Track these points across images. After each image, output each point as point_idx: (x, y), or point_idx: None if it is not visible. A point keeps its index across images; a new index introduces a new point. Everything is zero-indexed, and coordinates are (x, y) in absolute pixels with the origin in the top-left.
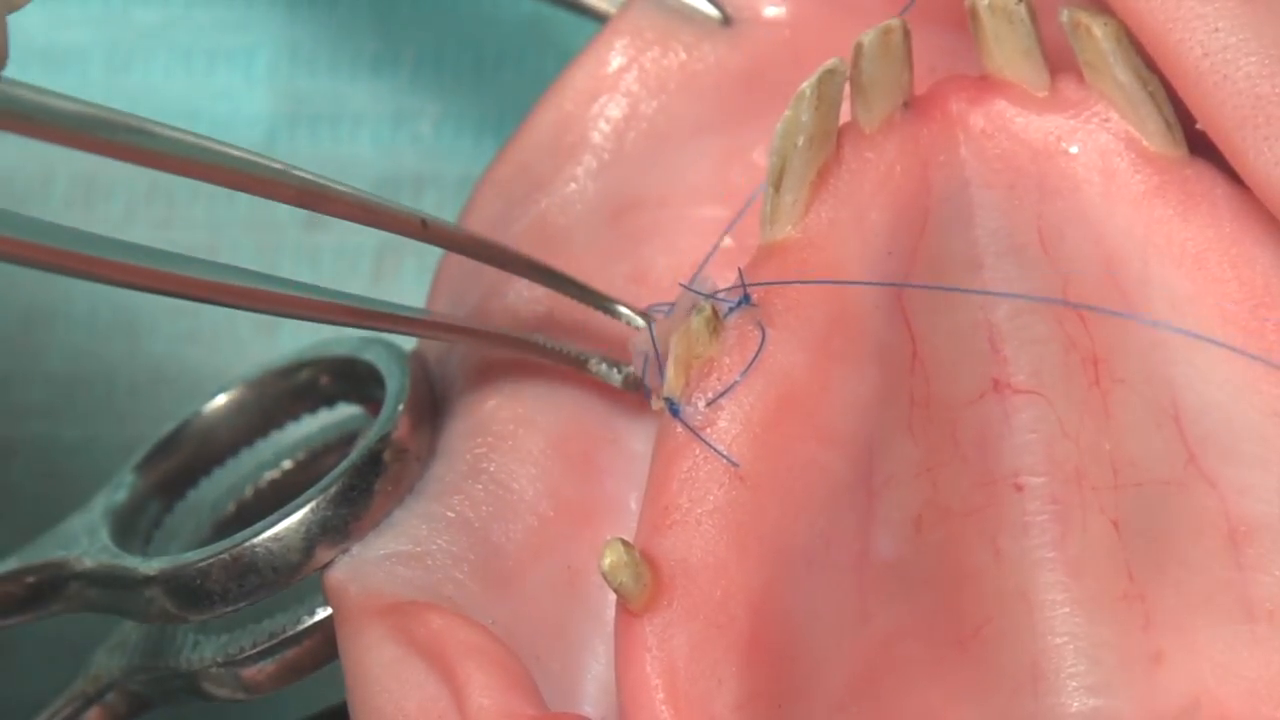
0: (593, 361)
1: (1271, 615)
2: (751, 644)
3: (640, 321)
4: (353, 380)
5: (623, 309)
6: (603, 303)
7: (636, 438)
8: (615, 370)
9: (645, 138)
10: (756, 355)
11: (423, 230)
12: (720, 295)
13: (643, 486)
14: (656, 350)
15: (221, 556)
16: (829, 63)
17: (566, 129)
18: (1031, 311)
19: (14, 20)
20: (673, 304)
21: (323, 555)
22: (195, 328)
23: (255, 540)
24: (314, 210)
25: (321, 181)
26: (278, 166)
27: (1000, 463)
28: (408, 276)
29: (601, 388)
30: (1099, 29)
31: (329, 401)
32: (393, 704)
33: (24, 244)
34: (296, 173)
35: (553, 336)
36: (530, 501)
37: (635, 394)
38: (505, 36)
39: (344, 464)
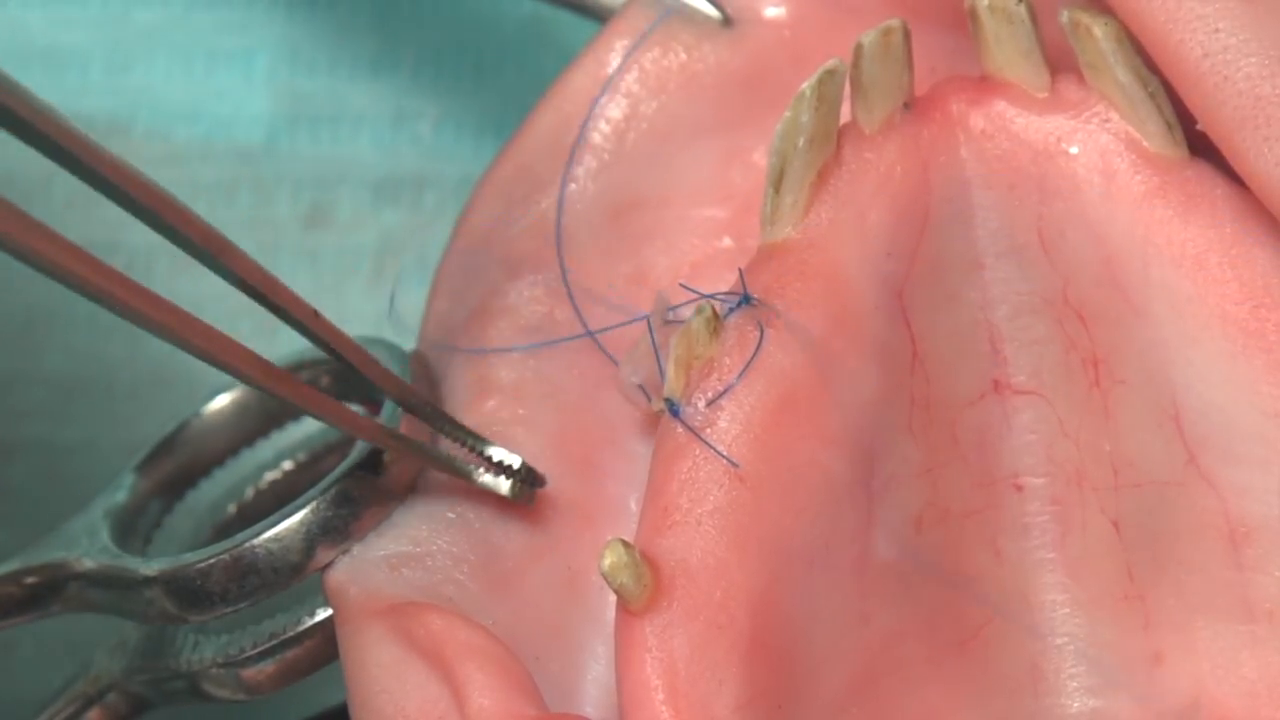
0: (477, 473)
1: (1271, 615)
2: (752, 645)
3: (512, 459)
4: (353, 381)
5: (493, 450)
6: (478, 445)
7: (636, 438)
8: (502, 479)
9: (645, 138)
10: (755, 355)
11: (314, 320)
12: (720, 296)
13: (643, 487)
14: (658, 355)
15: (222, 557)
16: (829, 63)
17: (566, 129)
18: (1032, 312)
19: (14, 20)
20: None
21: (323, 556)
22: None
23: (255, 541)
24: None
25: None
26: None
27: (1000, 463)
28: (408, 277)
29: (601, 388)
30: (1099, 29)
31: None
32: (393, 705)
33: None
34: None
35: (554, 337)
36: None
37: (527, 505)
38: (505, 36)
39: (344, 464)
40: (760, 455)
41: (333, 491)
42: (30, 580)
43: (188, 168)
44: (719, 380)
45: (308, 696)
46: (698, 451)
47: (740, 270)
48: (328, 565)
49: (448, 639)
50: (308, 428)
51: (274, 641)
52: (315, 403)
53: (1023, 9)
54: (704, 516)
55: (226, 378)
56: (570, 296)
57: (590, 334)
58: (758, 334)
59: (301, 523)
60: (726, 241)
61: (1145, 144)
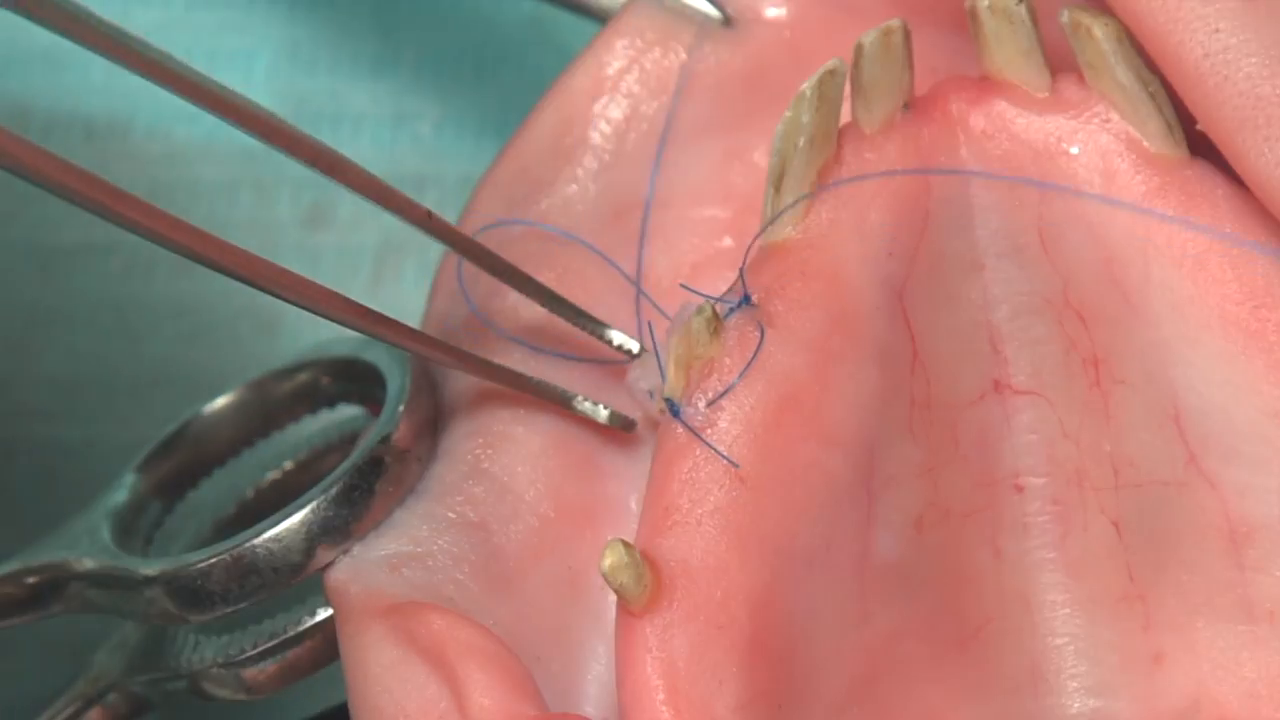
0: (577, 400)
1: (1272, 616)
2: (752, 645)
3: (631, 343)
4: (354, 381)
5: (613, 333)
6: (596, 327)
7: (637, 438)
8: (601, 407)
9: (646, 139)
10: (755, 355)
11: (427, 221)
12: (720, 296)
13: (643, 487)
14: (660, 364)
15: (222, 557)
16: (829, 63)
17: (567, 130)
18: (1032, 312)
19: (14, 20)
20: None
21: (324, 556)
22: (195, 328)
23: (256, 541)
24: (327, 174)
25: (339, 153)
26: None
27: (1001, 463)
28: (408, 277)
29: (602, 388)
30: (1099, 29)
31: (330, 402)
32: (394, 704)
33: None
34: (313, 139)
35: (554, 339)
36: (531, 502)
37: (626, 433)
38: (505, 36)
39: (345, 464)
40: (760, 455)
41: (333, 491)
42: (30, 580)
43: (188, 168)
44: (719, 380)
45: (308, 696)
46: (698, 452)
47: (740, 270)
48: (328, 565)
49: (449, 639)
50: (308, 428)
51: (274, 641)
52: (395, 331)
53: (1023, 9)
54: (704, 517)
55: (226, 378)
56: (575, 284)
57: (581, 342)
58: (758, 334)
59: (302, 522)
60: (726, 241)
61: (1145, 144)
